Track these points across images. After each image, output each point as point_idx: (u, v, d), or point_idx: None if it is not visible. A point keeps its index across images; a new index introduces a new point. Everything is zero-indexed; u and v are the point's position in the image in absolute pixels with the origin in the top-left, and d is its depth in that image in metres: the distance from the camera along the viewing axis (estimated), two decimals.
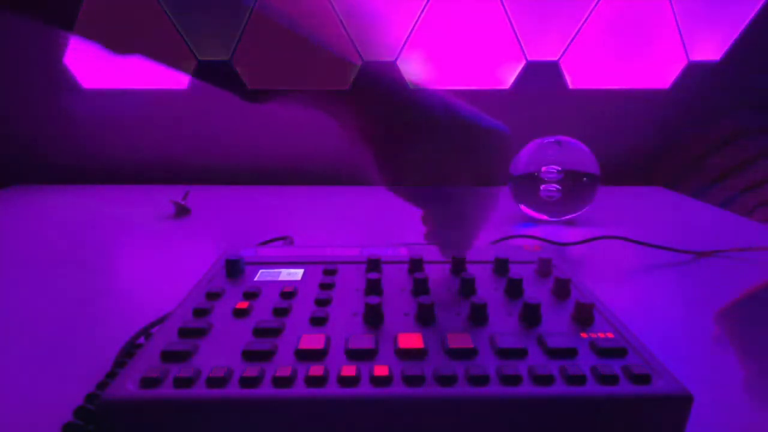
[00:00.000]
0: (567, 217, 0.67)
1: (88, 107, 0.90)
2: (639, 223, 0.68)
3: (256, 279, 0.38)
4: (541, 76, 0.90)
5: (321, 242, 0.57)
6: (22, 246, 0.58)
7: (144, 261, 0.54)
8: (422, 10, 0.86)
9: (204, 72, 0.34)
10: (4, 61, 0.87)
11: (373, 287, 0.35)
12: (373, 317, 0.31)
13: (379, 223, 0.70)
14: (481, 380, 0.25)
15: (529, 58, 0.88)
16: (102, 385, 0.29)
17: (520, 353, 0.27)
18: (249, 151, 0.95)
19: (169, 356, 0.27)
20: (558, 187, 0.64)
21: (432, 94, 0.32)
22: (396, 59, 0.88)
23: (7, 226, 0.67)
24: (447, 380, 0.25)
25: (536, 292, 0.36)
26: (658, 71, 0.92)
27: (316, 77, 0.32)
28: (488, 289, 0.36)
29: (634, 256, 0.55)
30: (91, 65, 0.88)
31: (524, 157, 0.67)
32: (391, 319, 0.31)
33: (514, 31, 0.87)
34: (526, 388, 0.25)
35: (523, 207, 0.69)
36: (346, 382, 0.25)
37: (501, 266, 0.39)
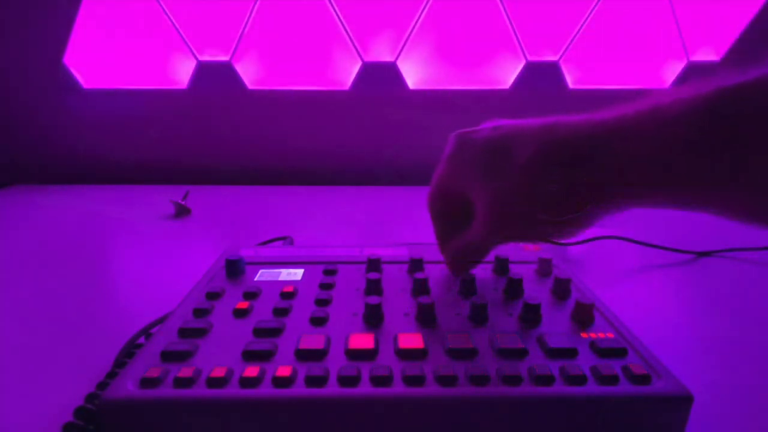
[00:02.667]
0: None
1: (88, 107, 0.90)
2: (639, 223, 0.68)
3: (256, 279, 0.38)
4: (541, 76, 0.90)
5: (321, 242, 0.57)
6: (22, 246, 0.58)
7: (144, 261, 0.54)
8: (422, 10, 0.86)
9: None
10: (4, 61, 0.87)
11: (373, 287, 0.35)
12: (373, 317, 0.31)
13: (379, 223, 0.70)
14: (481, 380, 0.25)
15: (529, 58, 0.88)
16: (102, 385, 0.29)
17: (520, 353, 0.27)
18: (249, 151, 0.95)
19: (169, 356, 0.27)
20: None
21: None
22: (396, 59, 0.88)
23: (7, 226, 0.67)
24: (447, 380, 0.25)
25: (536, 292, 0.36)
26: (658, 71, 0.92)
27: None
28: (488, 289, 0.36)
29: (634, 256, 0.55)
30: (91, 65, 0.88)
31: None
32: (391, 319, 0.31)
33: (514, 31, 0.87)
34: (526, 388, 0.25)
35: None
36: (346, 382, 0.25)
37: (501, 266, 0.39)
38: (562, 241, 0.52)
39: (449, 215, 0.35)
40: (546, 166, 0.28)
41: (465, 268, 0.37)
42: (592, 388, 0.25)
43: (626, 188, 0.27)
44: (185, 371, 0.25)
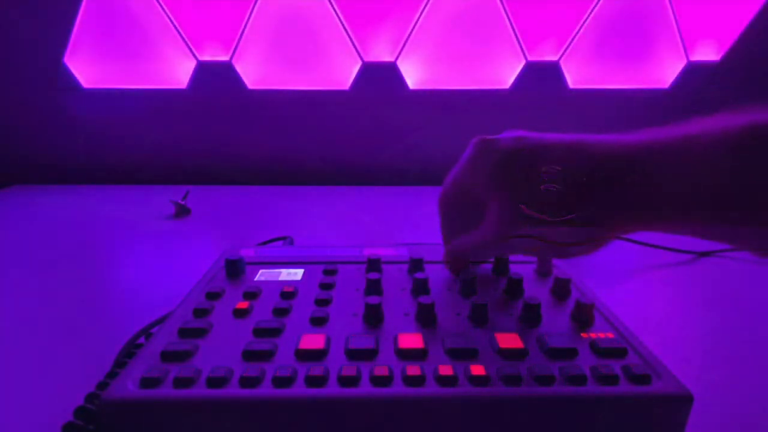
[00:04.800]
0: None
1: (88, 107, 0.90)
2: None
3: (256, 279, 0.38)
4: (541, 76, 0.90)
5: (321, 242, 0.57)
6: (23, 246, 0.58)
7: (144, 261, 0.54)
8: (422, 10, 0.86)
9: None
10: (4, 61, 0.87)
11: (373, 287, 0.35)
12: (373, 317, 0.31)
13: (379, 223, 0.70)
14: (481, 380, 0.25)
15: (529, 58, 0.88)
16: (102, 385, 0.29)
17: (521, 353, 0.27)
18: (249, 151, 0.95)
19: (169, 356, 0.27)
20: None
21: None
22: (396, 59, 0.88)
23: (7, 226, 0.67)
24: (447, 380, 0.25)
25: (536, 292, 0.36)
26: (658, 71, 0.92)
27: None
28: (488, 289, 0.36)
29: (634, 256, 0.55)
30: (91, 65, 0.88)
31: None
32: (391, 319, 0.31)
33: (514, 31, 0.87)
34: (526, 388, 0.25)
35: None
36: (346, 382, 0.25)
37: (501, 266, 0.39)
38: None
39: (458, 215, 0.35)
40: (574, 185, 0.29)
41: (463, 267, 0.37)
42: (592, 388, 0.25)
43: (652, 211, 0.27)
44: (185, 371, 0.25)
